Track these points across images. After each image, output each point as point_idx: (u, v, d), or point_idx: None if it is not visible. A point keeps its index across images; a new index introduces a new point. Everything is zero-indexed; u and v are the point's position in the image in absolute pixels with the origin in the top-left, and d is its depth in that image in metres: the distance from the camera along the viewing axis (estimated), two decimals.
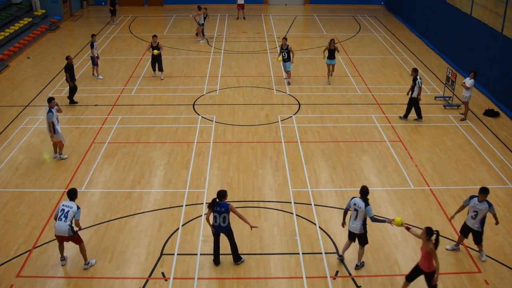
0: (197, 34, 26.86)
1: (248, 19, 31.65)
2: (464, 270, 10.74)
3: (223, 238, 10.67)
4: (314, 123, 17.27)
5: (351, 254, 11.11)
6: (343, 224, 10.73)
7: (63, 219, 10.24)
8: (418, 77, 16.97)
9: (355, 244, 10.82)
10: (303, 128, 16.87)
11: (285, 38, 20.44)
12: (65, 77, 18.67)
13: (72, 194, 10.53)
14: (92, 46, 20.70)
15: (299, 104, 18.73)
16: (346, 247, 10.84)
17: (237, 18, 31.56)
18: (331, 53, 20.07)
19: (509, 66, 18.38)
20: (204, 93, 19.75)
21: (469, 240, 11.64)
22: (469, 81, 17.10)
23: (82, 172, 14.29)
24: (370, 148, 15.67)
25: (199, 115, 17.81)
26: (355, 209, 10.31)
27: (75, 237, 10.44)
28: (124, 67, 22.53)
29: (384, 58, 24.15)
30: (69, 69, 18.31)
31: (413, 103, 17.12)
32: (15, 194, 13.31)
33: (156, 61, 20.90)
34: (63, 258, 10.78)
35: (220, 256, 10.89)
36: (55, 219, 10.35)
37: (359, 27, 29.74)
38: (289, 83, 20.58)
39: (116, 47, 25.57)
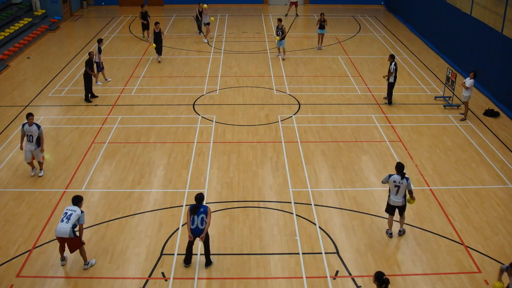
0: (201, 33, 27.29)
1: (248, 19, 31.66)
2: (464, 270, 10.74)
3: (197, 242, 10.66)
4: (314, 123, 17.27)
5: (351, 254, 11.13)
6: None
7: (65, 220, 10.26)
8: (392, 62, 18.28)
9: (354, 245, 10.80)
10: (303, 128, 16.87)
11: (279, 19, 23.56)
12: (85, 71, 18.51)
13: (75, 200, 10.53)
14: (100, 51, 20.11)
15: (299, 104, 18.73)
16: (391, 222, 11.62)
17: (286, 15, 32.07)
18: (321, 25, 24.58)
19: (509, 66, 18.38)
20: (204, 93, 19.75)
21: (470, 240, 11.65)
22: (469, 81, 17.11)
23: (82, 172, 14.29)
24: (370, 148, 15.67)
25: (199, 115, 17.81)
26: (396, 185, 11.10)
27: (75, 241, 10.37)
28: (124, 67, 22.53)
29: (384, 58, 24.08)
30: (90, 64, 18.44)
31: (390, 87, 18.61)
32: (15, 194, 13.30)
33: (158, 46, 22.95)
34: (63, 258, 10.77)
35: (220, 256, 10.91)
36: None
37: (359, 27, 29.74)
38: (283, 59, 23.51)
39: (116, 47, 25.55)
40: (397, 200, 11.25)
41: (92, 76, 18.77)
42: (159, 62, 23.00)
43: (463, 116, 17.64)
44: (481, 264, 10.88)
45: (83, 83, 18.73)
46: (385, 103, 18.73)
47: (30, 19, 28.28)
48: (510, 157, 15.25)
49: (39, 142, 13.73)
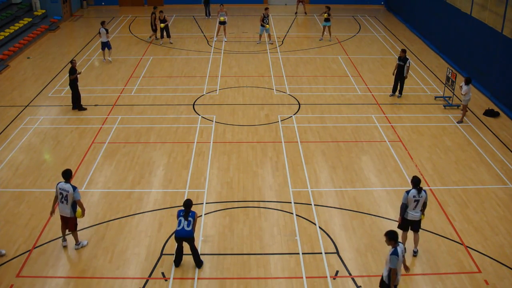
0: (207, 16, 30.68)
1: (248, 19, 31.66)
2: (464, 270, 10.74)
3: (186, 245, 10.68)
4: (314, 123, 17.27)
5: (350, 253, 11.13)
6: (401, 219, 10.88)
7: (64, 202, 10.82)
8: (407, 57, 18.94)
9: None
10: (303, 128, 16.87)
11: (266, 8, 26.31)
12: (70, 80, 17.86)
13: (65, 175, 10.92)
14: (107, 31, 22.61)
15: (299, 104, 18.73)
16: (405, 239, 11.09)
17: (295, 13, 32.74)
18: (326, 18, 26.04)
19: (509, 66, 18.38)
20: (204, 93, 19.75)
21: (470, 240, 11.66)
22: (464, 87, 16.87)
23: (82, 172, 14.29)
24: (370, 148, 15.67)
25: (199, 115, 17.81)
26: (416, 200, 10.65)
27: (74, 220, 10.96)
28: (124, 67, 22.53)
29: (384, 58, 24.14)
30: (73, 72, 17.74)
31: (403, 81, 19.22)
32: (15, 194, 13.30)
33: (165, 30, 25.59)
34: (65, 239, 11.24)
35: (220, 256, 10.91)
36: (56, 199, 10.94)
37: (359, 27, 29.74)
38: (271, 43, 26.21)
39: (116, 47, 25.50)
40: (416, 214, 10.77)
41: (77, 78, 17.86)
42: (170, 43, 25.99)
43: (460, 118, 17.46)
44: (481, 264, 10.88)
45: (71, 93, 17.98)
46: (398, 96, 19.36)
47: (30, 19, 28.27)
48: (510, 157, 15.25)
49: None
